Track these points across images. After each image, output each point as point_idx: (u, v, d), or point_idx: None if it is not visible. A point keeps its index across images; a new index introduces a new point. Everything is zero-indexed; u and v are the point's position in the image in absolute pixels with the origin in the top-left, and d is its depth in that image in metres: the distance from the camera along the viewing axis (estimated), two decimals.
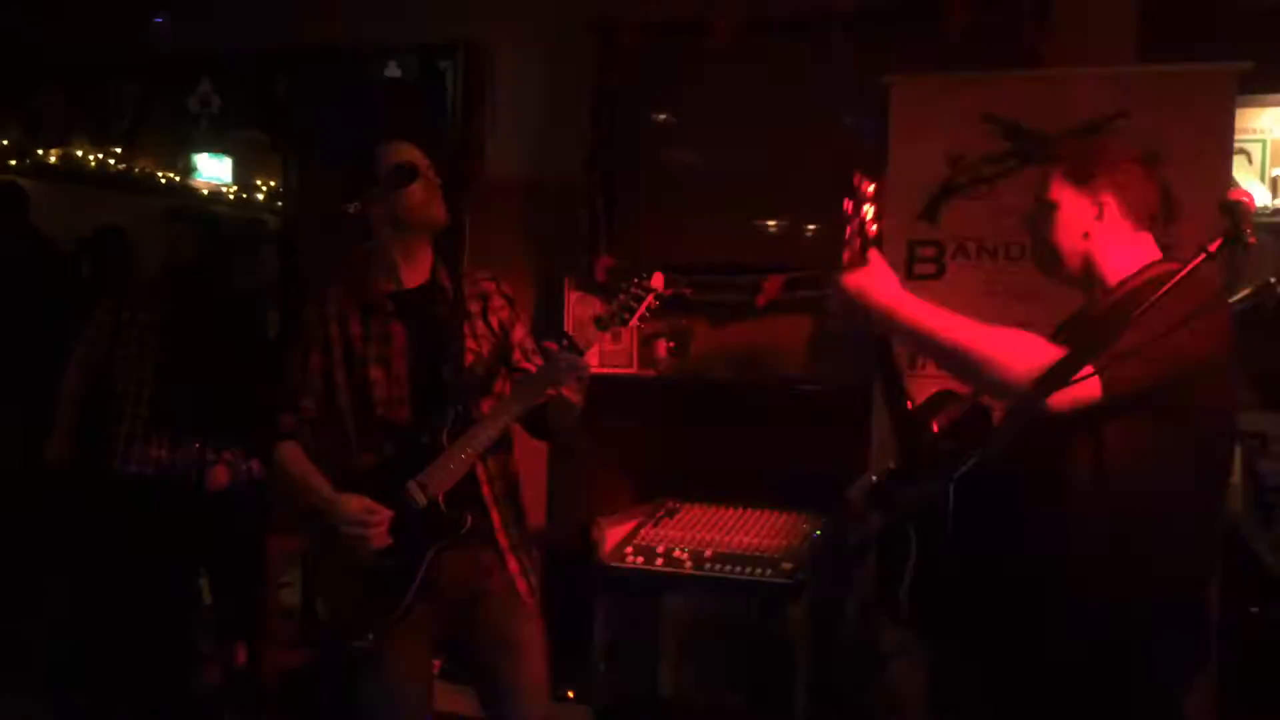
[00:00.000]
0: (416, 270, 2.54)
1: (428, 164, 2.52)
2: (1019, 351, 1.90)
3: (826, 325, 2.27)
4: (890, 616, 2.13)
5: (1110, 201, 2.07)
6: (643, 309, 2.34)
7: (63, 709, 3.75)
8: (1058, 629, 1.97)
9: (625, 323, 2.35)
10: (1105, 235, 2.08)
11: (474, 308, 2.56)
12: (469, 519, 2.41)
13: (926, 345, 2.03)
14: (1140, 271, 2.06)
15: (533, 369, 2.55)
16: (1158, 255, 2.10)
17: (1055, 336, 2.17)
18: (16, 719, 3.81)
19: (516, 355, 2.58)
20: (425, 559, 2.41)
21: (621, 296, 2.34)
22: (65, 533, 4.16)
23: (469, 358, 2.50)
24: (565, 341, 2.32)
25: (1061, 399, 1.84)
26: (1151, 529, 1.96)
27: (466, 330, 2.52)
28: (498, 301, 2.60)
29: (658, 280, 2.34)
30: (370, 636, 2.43)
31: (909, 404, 2.25)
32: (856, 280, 2.06)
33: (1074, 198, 2.09)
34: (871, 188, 2.14)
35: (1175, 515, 1.98)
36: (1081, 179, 2.09)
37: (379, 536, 2.38)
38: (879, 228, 2.13)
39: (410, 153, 2.53)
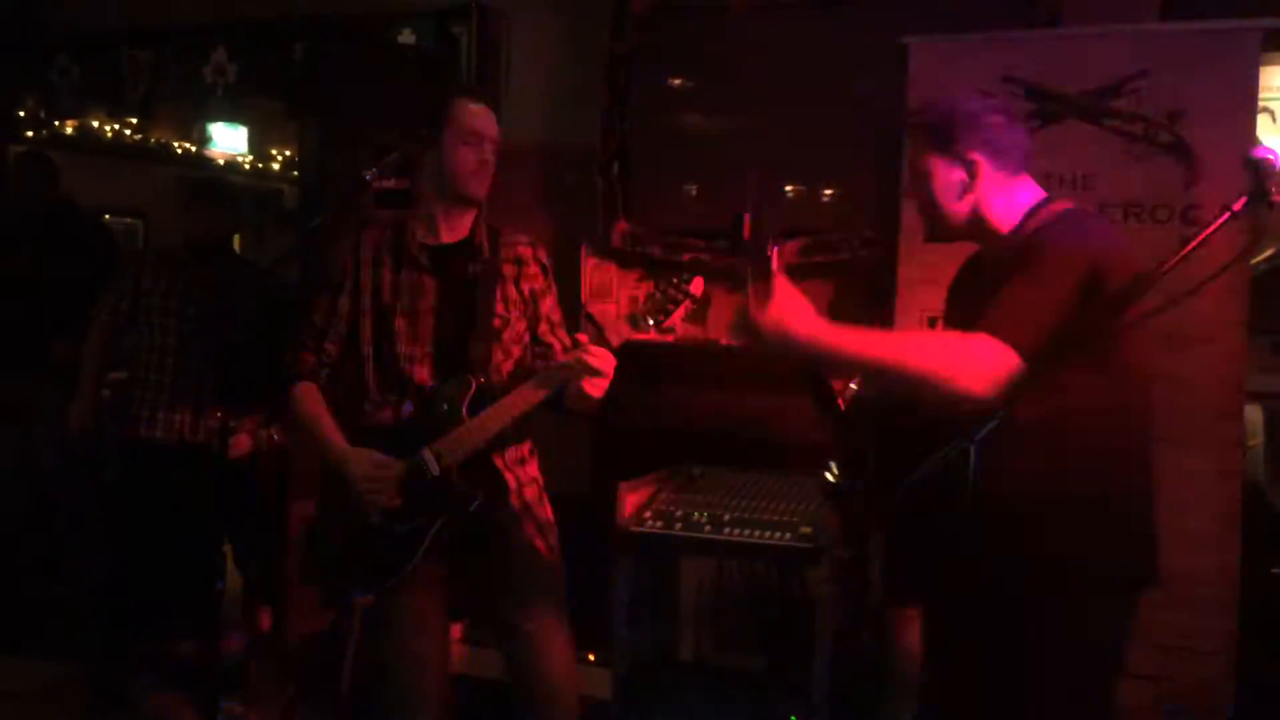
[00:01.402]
0: (456, 226, 2.52)
1: (496, 138, 2.49)
2: (950, 357, 1.89)
3: (734, 340, 2.23)
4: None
5: (979, 158, 2.10)
6: (680, 312, 2.34)
7: (88, 675, 3.80)
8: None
9: (659, 324, 2.34)
10: (984, 190, 2.11)
11: (508, 271, 2.54)
12: (479, 495, 2.41)
13: (856, 369, 2.00)
14: (1027, 216, 2.10)
15: (557, 344, 2.55)
16: (1041, 195, 2.14)
17: (951, 301, 2.27)
18: (44, 685, 3.87)
19: (543, 328, 2.58)
20: (432, 529, 2.42)
21: (658, 296, 2.33)
22: (95, 499, 4.23)
23: (496, 322, 2.49)
24: (596, 334, 2.32)
25: (983, 383, 1.84)
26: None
27: (498, 294, 2.50)
28: (533, 269, 2.58)
29: (697, 285, 2.34)
30: (370, 595, 2.45)
31: (840, 404, 2.24)
32: (771, 317, 1.92)
33: (943, 164, 2.12)
34: (776, 251, 2.12)
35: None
36: (944, 144, 2.11)
37: (389, 496, 2.39)
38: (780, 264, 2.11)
39: (489, 122, 2.48)
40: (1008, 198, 2.12)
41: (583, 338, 2.32)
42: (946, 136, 2.10)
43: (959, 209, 2.13)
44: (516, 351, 2.53)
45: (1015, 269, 1.97)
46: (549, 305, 2.59)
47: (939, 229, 2.20)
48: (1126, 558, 2.06)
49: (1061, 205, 2.12)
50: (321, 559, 2.58)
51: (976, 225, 2.15)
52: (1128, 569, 2.07)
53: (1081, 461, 1.99)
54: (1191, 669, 3.10)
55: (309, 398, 2.51)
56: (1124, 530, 2.05)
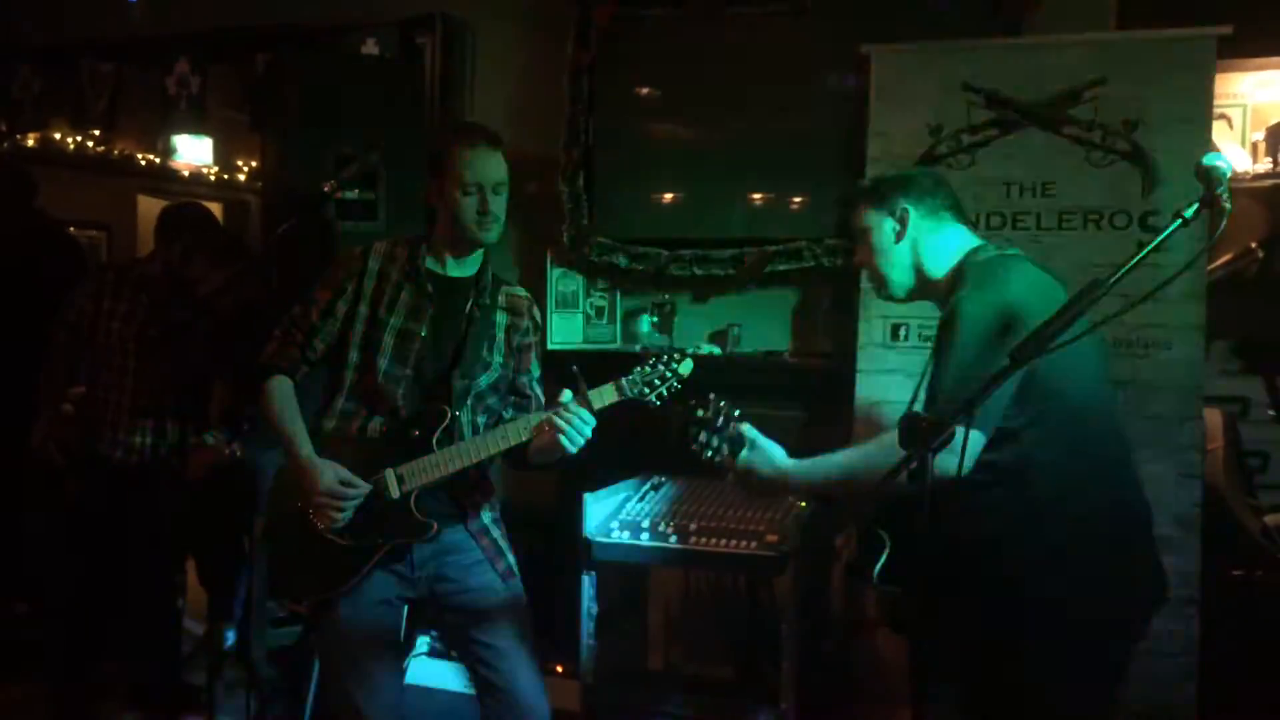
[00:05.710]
0: (464, 262, 2.53)
1: (501, 180, 2.46)
2: (879, 458, 1.99)
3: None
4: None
5: (908, 206, 2.23)
6: (667, 390, 2.36)
7: (54, 694, 3.75)
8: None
9: (645, 398, 2.36)
10: (918, 238, 2.24)
11: (501, 319, 2.56)
12: (435, 527, 2.41)
13: (822, 494, 2.28)
14: (959, 265, 2.19)
15: (532, 397, 2.58)
16: (973, 243, 2.23)
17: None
18: (10, 704, 3.81)
19: (522, 380, 2.59)
20: (381, 550, 2.41)
21: (648, 370, 2.35)
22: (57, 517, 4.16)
23: (480, 364, 2.50)
24: (579, 396, 2.33)
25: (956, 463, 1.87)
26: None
27: (487, 337, 2.51)
28: (525, 321, 2.59)
29: (687, 367, 2.36)
30: (305, 603, 2.43)
31: None
32: (743, 466, 2.22)
33: (878, 217, 2.25)
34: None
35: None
36: (880, 198, 2.25)
37: (346, 515, 2.38)
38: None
39: (491, 168, 2.44)
40: (940, 245, 2.23)
41: (563, 396, 2.32)
42: (883, 190, 2.26)
43: (901, 262, 2.24)
44: (490, 398, 2.53)
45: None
46: (531, 359, 2.61)
47: (890, 290, 2.29)
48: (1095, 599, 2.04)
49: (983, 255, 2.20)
50: (273, 559, 2.58)
51: (921, 277, 2.25)
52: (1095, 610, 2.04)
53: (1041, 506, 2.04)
54: (1154, 671, 3.11)
55: (283, 393, 2.48)
56: (1090, 573, 2.03)
